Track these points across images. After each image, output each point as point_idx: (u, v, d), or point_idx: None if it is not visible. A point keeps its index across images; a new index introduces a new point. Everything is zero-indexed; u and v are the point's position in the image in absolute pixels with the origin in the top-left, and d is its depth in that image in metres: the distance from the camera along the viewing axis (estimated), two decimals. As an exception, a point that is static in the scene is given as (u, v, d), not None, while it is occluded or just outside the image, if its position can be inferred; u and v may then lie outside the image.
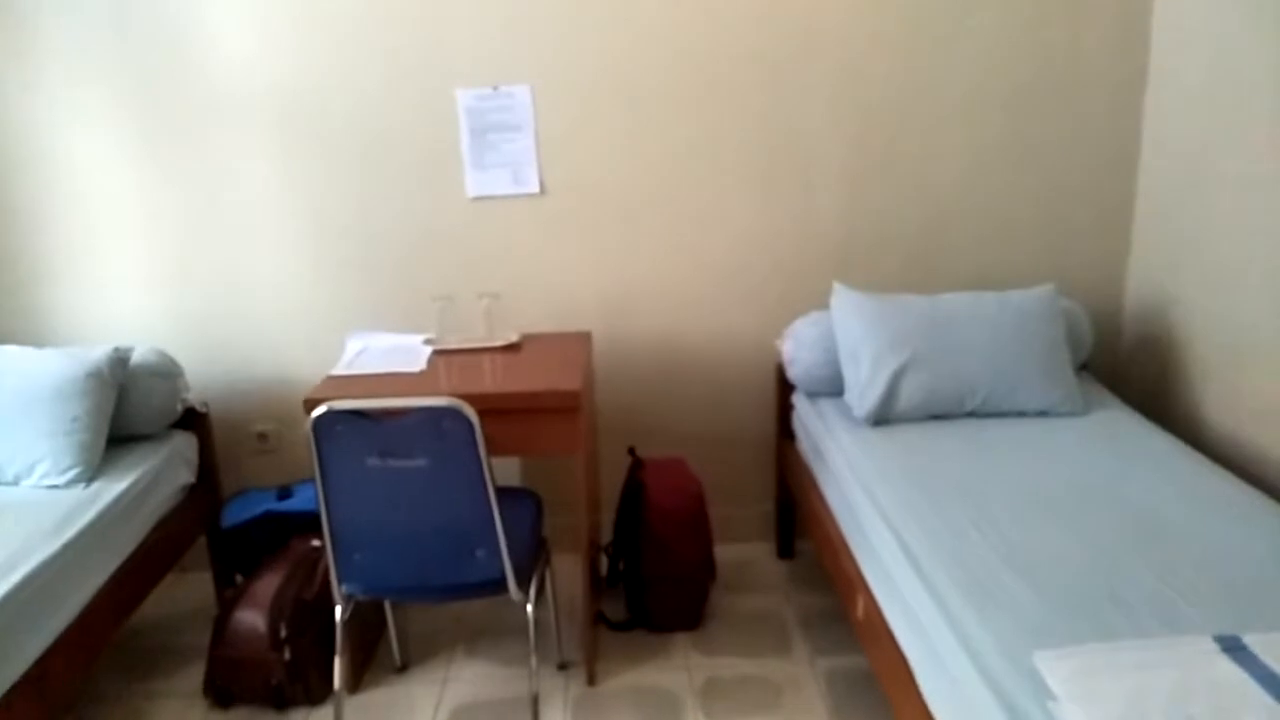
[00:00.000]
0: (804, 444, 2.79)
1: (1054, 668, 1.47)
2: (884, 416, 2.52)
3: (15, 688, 1.86)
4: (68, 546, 2.09)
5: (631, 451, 2.89)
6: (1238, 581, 1.71)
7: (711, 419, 3.10)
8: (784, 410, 2.98)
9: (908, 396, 2.51)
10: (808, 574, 2.97)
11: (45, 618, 1.99)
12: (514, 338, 2.70)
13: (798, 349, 2.75)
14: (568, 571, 2.91)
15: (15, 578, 1.92)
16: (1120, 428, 2.45)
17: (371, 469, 1.99)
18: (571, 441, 2.32)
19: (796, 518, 3.03)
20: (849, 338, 2.62)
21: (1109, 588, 1.71)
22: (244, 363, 2.99)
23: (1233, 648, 1.49)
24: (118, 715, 2.40)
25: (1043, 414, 2.54)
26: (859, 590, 2.11)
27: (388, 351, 2.61)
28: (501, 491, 2.01)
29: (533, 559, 2.24)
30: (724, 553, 3.09)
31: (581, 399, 2.27)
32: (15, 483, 2.33)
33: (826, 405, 2.71)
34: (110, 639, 2.24)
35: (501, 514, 2.01)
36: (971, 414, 2.55)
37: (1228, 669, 1.44)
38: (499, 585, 2.09)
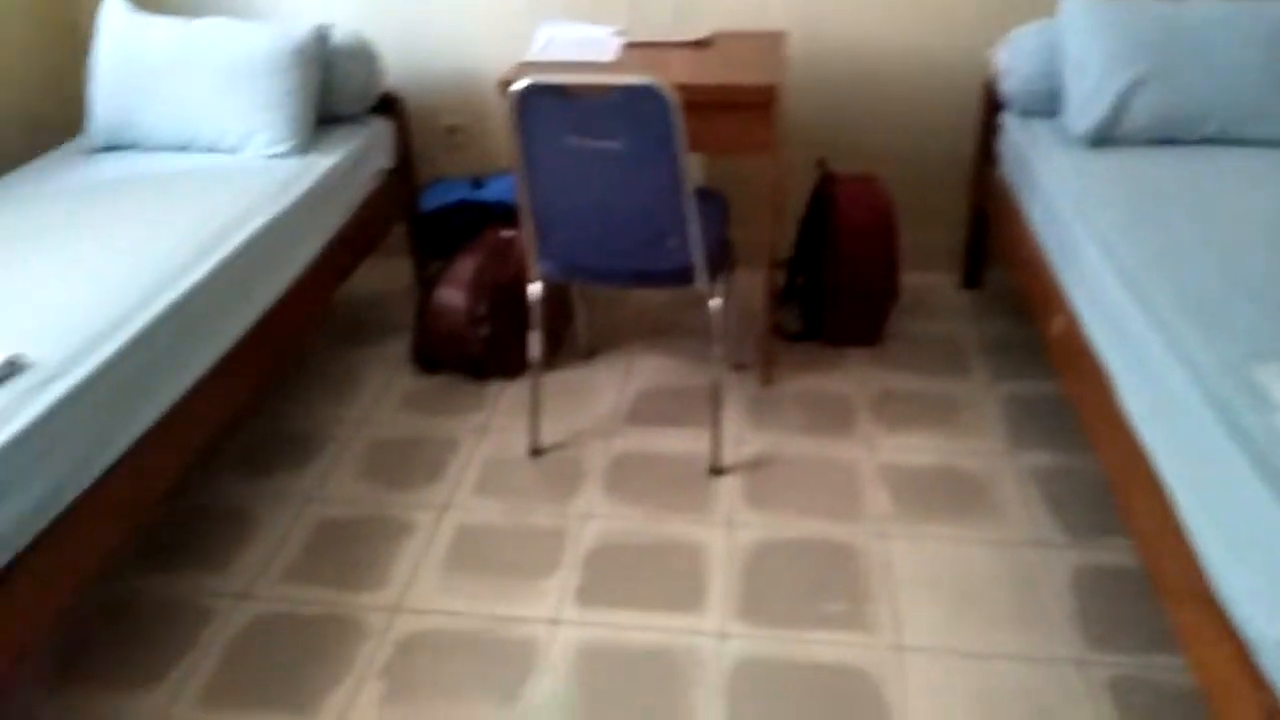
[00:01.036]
0: (1009, 167, 2.63)
1: (1278, 381, 1.41)
2: (1106, 136, 2.32)
3: (247, 333, 2.06)
4: (288, 211, 2.23)
5: (821, 163, 2.80)
6: None
7: (906, 137, 2.94)
8: (986, 131, 2.79)
9: (1136, 115, 2.29)
10: (993, 303, 2.91)
11: (271, 272, 2.17)
12: (706, 33, 2.59)
13: (1015, 59, 2.53)
14: (744, 284, 2.94)
15: (246, 233, 2.08)
16: (1384, 165, 2.18)
17: (569, 149, 2.00)
18: (763, 141, 2.26)
19: (988, 246, 2.92)
20: (1077, 45, 2.37)
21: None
22: (433, 55, 2.98)
23: None
24: (333, 373, 2.66)
25: (1291, 145, 2.28)
26: (1058, 311, 2.04)
27: (578, 42, 2.55)
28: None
29: (719, 257, 2.25)
30: (906, 279, 3.03)
31: (775, 96, 2.18)
32: (234, 151, 2.47)
33: (1040, 126, 2.52)
34: (324, 304, 2.44)
35: (696, 208, 2.01)
36: (1206, 140, 2.31)
37: None
38: (687, 275, 2.12)
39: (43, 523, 1.48)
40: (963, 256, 2.99)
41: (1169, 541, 1.46)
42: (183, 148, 2.50)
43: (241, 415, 2.46)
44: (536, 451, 2.32)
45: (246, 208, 2.18)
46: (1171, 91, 2.28)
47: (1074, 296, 2.01)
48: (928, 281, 3.04)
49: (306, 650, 1.79)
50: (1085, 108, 2.33)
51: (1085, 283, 1.96)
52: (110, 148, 2.54)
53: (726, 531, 2.05)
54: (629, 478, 2.22)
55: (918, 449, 2.29)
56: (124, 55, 2.50)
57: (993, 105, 2.74)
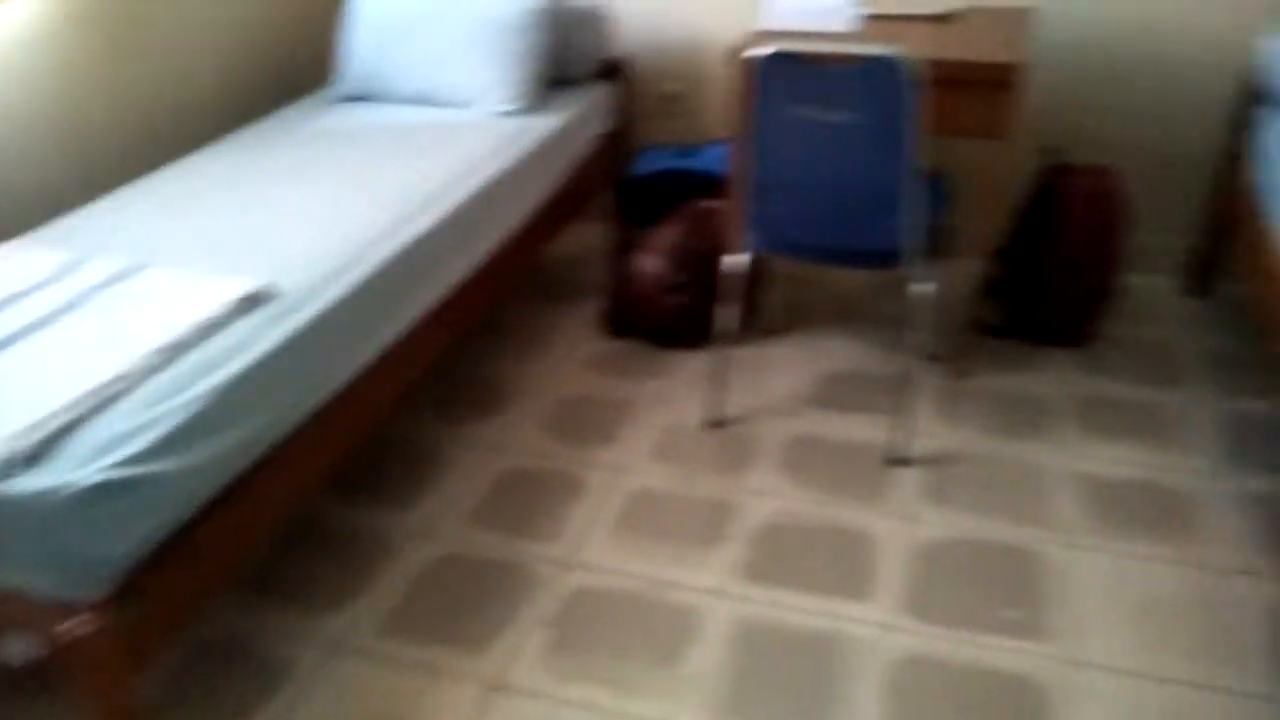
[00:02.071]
0: (1264, 170, 2.40)
1: None
2: (1384, 142, 2.08)
3: (463, 282, 2.18)
4: (512, 167, 2.33)
5: (1052, 151, 2.65)
6: None
7: (1147, 129, 2.73)
8: (1243, 127, 2.55)
9: None
10: (1219, 315, 2.68)
11: (491, 225, 2.29)
12: (951, 6, 2.50)
13: (1287, 52, 2.30)
14: (950, 273, 2.84)
15: (472, 186, 2.21)
16: None
17: (800, 119, 1.98)
18: (1002, 124, 2.17)
19: (1224, 253, 2.69)
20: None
21: None
22: (662, 20, 3.02)
23: None
24: (527, 329, 2.78)
25: None
26: (1301, 330, 1.86)
27: (812, 10, 2.52)
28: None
29: (935, 242, 2.18)
30: (1125, 280, 2.85)
31: (1018, 76, 2.09)
32: (467, 106, 2.61)
33: (1305, 124, 2.28)
34: (534, 260, 2.53)
35: (919, 191, 1.96)
36: None
37: None
38: (896, 257, 2.07)
39: (264, 447, 1.62)
40: (1193, 261, 2.77)
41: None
42: (421, 101, 2.66)
43: (443, 361, 2.62)
44: (716, 423, 2.35)
45: (474, 162, 2.30)
46: None
47: (1322, 316, 1.83)
48: (1147, 284, 2.83)
49: (482, 592, 1.90)
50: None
51: (1337, 302, 1.78)
52: (356, 98, 2.74)
53: (902, 524, 2.01)
54: (805, 459, 2.21)
55: (1117, 459, 2.16)
56: (380, 10, 2.68)
57: (1250, 100, 2.50)
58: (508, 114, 2.57)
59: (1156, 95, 2.68)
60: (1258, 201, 2.34)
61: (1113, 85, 2.70)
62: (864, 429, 2.30)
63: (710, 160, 2.83)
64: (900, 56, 1.84)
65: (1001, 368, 2.50)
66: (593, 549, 1.99)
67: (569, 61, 2.76)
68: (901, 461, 2.19)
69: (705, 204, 2.71)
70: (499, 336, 2.76)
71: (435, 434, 2.36)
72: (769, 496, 2.11)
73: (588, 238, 3.20)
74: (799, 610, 1.82)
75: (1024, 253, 2.59)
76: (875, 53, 1.86)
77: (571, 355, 2.65)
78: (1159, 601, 1.80)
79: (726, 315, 2.35)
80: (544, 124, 2.54)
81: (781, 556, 1.95)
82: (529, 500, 2.13)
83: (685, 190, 2.83)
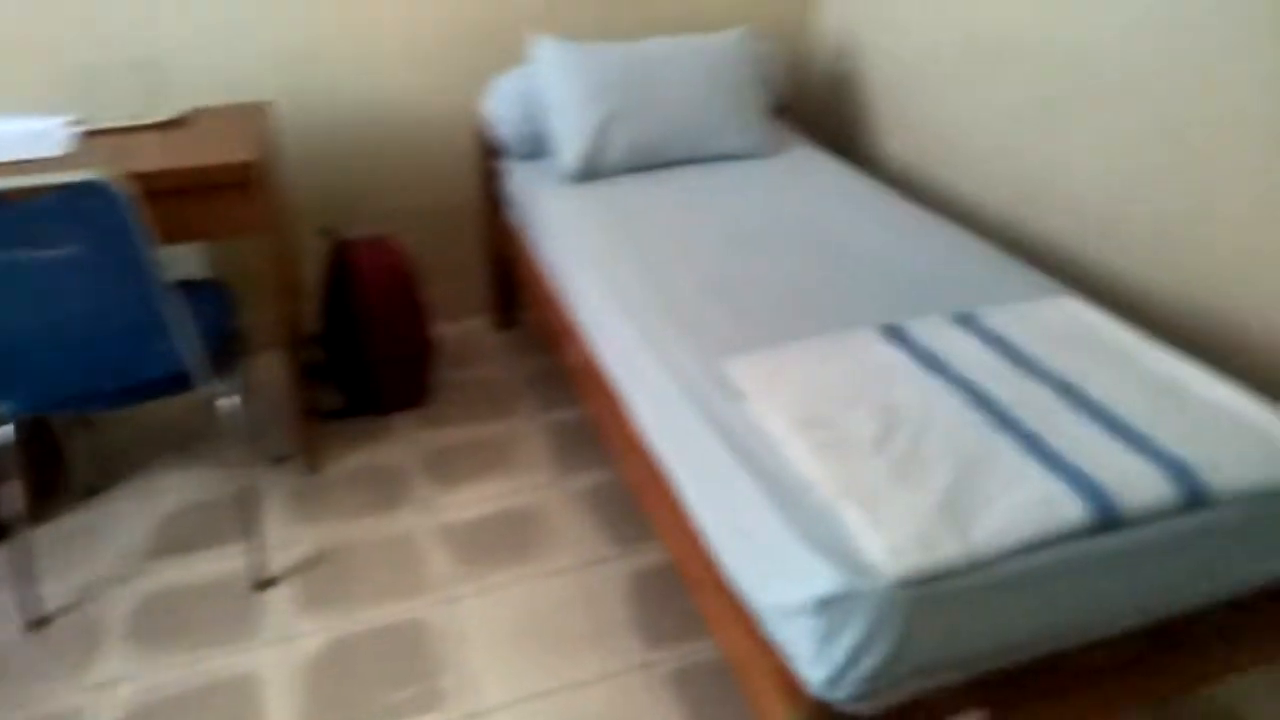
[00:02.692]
0: (514, 209, 2.72)
1: (743, 371, 1.55)
2: (592, 171, 2.47)
3: None
4: None
5: (328, 231, 2.69)
6: (903, 284, 1.87)
7: (416, 192, 2.93)
8: (490, 177, 2.87)
9: (614, 149, 2.47)
10: (528, 341, 2.98)
11: None
12: (178, 111, 2.37)
13: (501, 108, 2.62)
14: (273, 372, 2.75)
15: None
16: (812, 165, 2.56)
17: (11, 264, 1.70)
18: (252, 220, 2.10)
19: (512, 287, 3.00)
20: (552, 92, 2.51)
21: (795, 302, 1.81)
22: None
23: (893, 334, 1.63)
24: None
25: (740, 157, 2.59)
26: (572, 339, 2.12)
27: (17, 138, 2.21)
28: (184, 284, 1.80)
29: (227, 352, 2.05)
30: (443, 330, 3.03)
31: (257, 171, 2.04)
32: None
33: (534, 166, 2.63)
34: None
35: (184, 305, 1.80)
36: (674, 162, 2.56)
37: (889, 351, 1.58)
38: (185, 381, 1.90)
39: None
40: (493, 299, 3.05)
41: (686, 535, 1.55)
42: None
43: None
44: (38, 623, 1.94)
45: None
46: (640, 125, 2.49)
47: (581, 323, 2.10)
48: (464, 329, 3.05)
49: None
50: (569, 147, 2.46)
51: (587, 308, 2.06)
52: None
53: (282, 648, 1.85)
54: (161, 621, 1.93)
55: (474, 500, 2.25)
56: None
57: (492, 150, 2.82)
58: None
59: (416, 159, 2.88)
60: (518, 238, 2.64)
61: (375, 159, 2.85)
62: (222, 562, 2.08)
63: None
64: (100, 178, 1.67)
65: (352, 448, 2.47)
66: None
67: None
68: (267, 583, 2.02)
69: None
70: None
71: None
72: (125, 682, 1.79)
73: None
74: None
75: (338, 332, 2.60)
76: (71, 179, 1.66)
77: None
78: (536, 619, 1.90)
79: (14, 496, 1.96)
80: None
81: (151, 744, 1.66)
82: None
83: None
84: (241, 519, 2.20)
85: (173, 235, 2.02)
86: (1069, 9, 2.09)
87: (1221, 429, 1.35)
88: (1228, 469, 1.26)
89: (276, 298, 2.24)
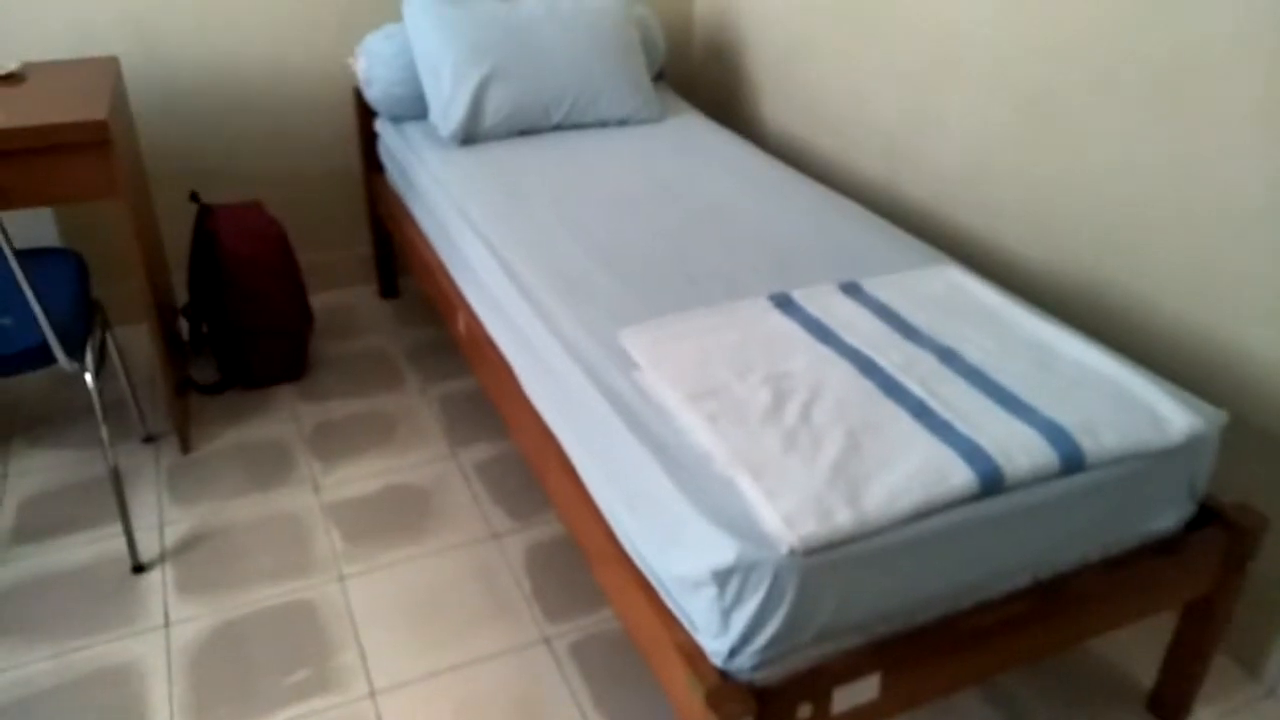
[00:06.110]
0: (393, 173, 2.64)
1: (635, 341, 1.55)
2: (471, 135, 2.41)
3: None
4: None
5: (194, 197, 2.55)
6: (788, 252, 1.90)
7: (292, 155, 2.80)
8: (368, 139, 2.77)
9: (493, 112, 2.41)
10: (412, 310, 2.91)
11: None
12: (13, 66, 2.19)
13: (373, 67, 2.52)
14: (143, 341, 2.60)
15: None
16: (692, 131, 2.57)
17: None
18: (106, 184, 1.97)
19: (395, 253, 2.92)
20: (427, 51, 2.43)
21: (683, 270, 1.82)
22: None
23: (783, 303, 1.66)
24: None
25: (623, 122, 2.58)
26: (459, 309, 2.08)
27: None
28: (31, 253, 1.68)
29: (82, 324, 1.93)
30: (323, 300, 2.93)
31: (111, 130, 1.91)
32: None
33: (412, 129, 2.55)
34: None
35: (32, 276, 1.68)
36: (557, 127, 2.52)
37: (779, 320, 1.61)
38: (41, 355, 1.78)
39: None
40: (377, 266, 2.96)
41: (584, 508, 1.55)
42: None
43: None
44: (-116, 620, 1.81)
45: None
46: (520, 88, 2.44)
47: (467, 293, 2.06)
48: (346, 298, 2.95)
49: None
50: (446, 110, 2.40)
51: (473, 278, 2.02)
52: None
53: (163, 635, 1.78)
54: (27, 610, 1.82)
55: (363, 476, 2.20)
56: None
57: (367, 112, 2.71)
58: None
59: (287, 121, 2.75)
60: (398, 203, 2.56)
61: (245, 120, 2.70)
62: (92, 546, 1.98)
63: None
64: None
65: (230, 424, 2.37)
66: None
67: None
68: (143, 567, 1.93)
69: None
70: None
71: None
72: (-13, 680, 1.69)
73: None
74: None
75: (204, 303, 2.48)
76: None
77: None
78: (433, 596, 1.88)
79: None
80: None
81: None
82: None
83: None
84: (111, 501, 2.09)
85: (19, 199, 1.89)
86: (944, -18, 2.16)
87: (1094, 393, 1.43)
88: (1102, 433, 1.34)
89: (137, 267, 2.11)
